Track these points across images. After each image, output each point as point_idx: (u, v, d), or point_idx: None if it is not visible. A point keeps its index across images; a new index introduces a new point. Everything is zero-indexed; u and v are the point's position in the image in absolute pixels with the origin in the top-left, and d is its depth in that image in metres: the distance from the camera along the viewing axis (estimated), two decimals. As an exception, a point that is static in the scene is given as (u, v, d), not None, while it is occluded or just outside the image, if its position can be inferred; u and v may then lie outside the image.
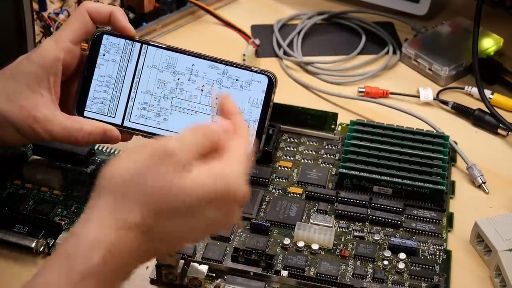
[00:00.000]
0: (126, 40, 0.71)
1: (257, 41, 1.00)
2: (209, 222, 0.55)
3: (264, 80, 0.72)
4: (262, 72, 0.72)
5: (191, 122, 0.71)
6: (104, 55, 0.71)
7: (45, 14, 1.01)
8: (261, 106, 0.72)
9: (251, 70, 0.72)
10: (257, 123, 0.72)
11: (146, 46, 0.72)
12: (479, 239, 0.72)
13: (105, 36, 0.71)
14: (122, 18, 0.70)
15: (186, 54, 0.72)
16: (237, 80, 0.72)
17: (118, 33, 0.71)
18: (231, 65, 0.72)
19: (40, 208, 0.73)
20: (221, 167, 0.54)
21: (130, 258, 0.52)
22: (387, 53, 1.00)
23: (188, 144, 0.54)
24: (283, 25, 1.04)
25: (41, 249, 0.70)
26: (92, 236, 0.51)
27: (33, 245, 0.69)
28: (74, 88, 0.71)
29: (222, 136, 0.56)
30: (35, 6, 1.00)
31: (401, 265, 0.69)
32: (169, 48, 0.72)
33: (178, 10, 1.04)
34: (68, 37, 0.68)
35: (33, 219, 0.72)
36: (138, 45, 0.71)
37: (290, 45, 1.00)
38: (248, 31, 1.03)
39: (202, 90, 0.71)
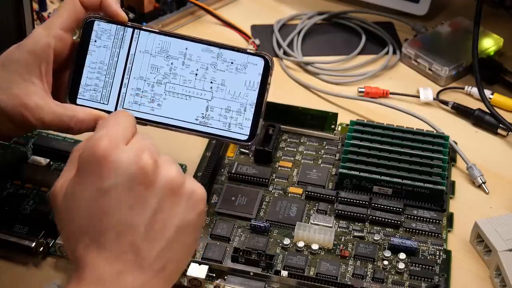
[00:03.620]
0: (118, 26, 0.70)
1: (257, 41, 1.00)
2: (119, 191, 0.52)
3: (260, 63, 0.70)
4: (258, 54, 0.70)
5: (186, 107, 0.70)
6: (95, 41, 0.70)
7: (45, 14, 1.02)
8: (258, 89, 0.70)
9: (246, 53, 0.70)
10: (253, 107, 0.70)
11: (138, 31, 0.70)
12: (479, 239, 0.72)
13: (96, 22, 0.70)
14: (113, 3, 0.69)
15: (179, 38, 0.70)
16: (232, 63, 0.70)
17: (110, 18, 0.70)
18: (225, 48, 0.70)
19: (40, 208, 0.73)
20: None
21: None
22: (387, 53, 1.00)
23: (58, 179, 0.55)
24: (283, 25, 1.04)
25: (41, 249, 0.70)
26: None
27: (33, 245, 0.69)
28: (66, 76, 0.70)
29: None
30: (35, 6, 1.00)
31: (401, 265, 0.69)
32: (161, 33, 0.71)
33: (178, 10, 1.04)
34: (59, 24, 0.68)
35: (33, 219, 0.72)
36: (130, 30, 0.70)
37: (290, 45, 1.00)
38: (248, 31, 1.03)
39: (196, 74, 0.70)
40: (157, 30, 0.71)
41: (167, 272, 0.54)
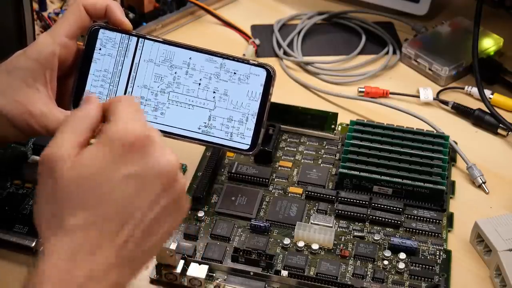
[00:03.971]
0: (123, 34, 0.71)
1: (257, 41, 1.00)
2: (135, 177, 0.52)
3: (263, 73, 0.71)
4: (260, 65, 0.71)
5: (188, 116, 0.70)
6: (100, 49, 0.71)
7: (45, 14, 1.02)
8: (260, 99, 0.71)
9: (249, 63, 0.71)
10: (255, 117, 0.71)
11: (143, 40, 0.71)
12: (479, 239, 0.72)
13: (101, 31, 0.71)
14: (118, 12, 0.69)
15: (183, 48, 0.71)
16: (235, 73, 0.71)
17: (115, 27, 0.71)
18: (228, 58, 0.71)
19: (40, 208, 0.73)
20: (103, 133, 0.53)
21: (88, 256, 0.50)
22: (387, 53, 1.00)
23: (63, 137, 0.53)
24: (283, 25, 1.04)
25: (41, 249, 0.70)
26: (42, 255, 0.51)
27: (33, 245, 0.69)
28: (71, 83, 0.71)
29: (88, 117, 0.54)
30: (35, 6, 1.00)
31: (401, 265, 0.69)
32: (166, 42, 0.71)
33: (178, 10, 1.04)
34: (64, 31, 0.68)
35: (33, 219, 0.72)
36: (134, 39, 0.71)
37: (290, 45, 1.00)
38: (248, 31, 1.03)
39: (199, 84, 0.71)
40: (161, 40, 0.71)
41: (136, 265, 0.54)
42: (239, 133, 0.71)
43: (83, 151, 0.52)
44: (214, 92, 0.71)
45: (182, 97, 0.71)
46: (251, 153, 0.71)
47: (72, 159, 0.52)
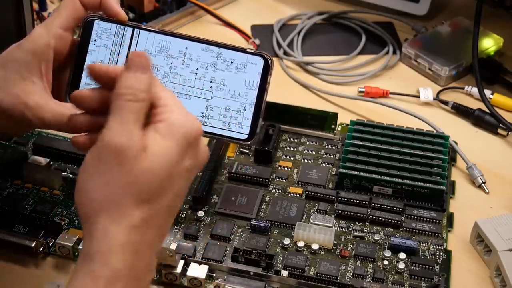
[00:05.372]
0: (118, 25, 0.70)
1: (257, 41, 1.00)
2: (189, 171, 0.55)
3: (260, 62, 0.70)
4: (257, 53, 0.70)
5: (186, 106, 0.70)
6: (95, 40, 0.70)
7: (45, 14, 1.02)
8: (257, 88, 0.70)
9: (246, 52, 0.70)
10: (253, 106, 0.70)
11: (138, 30, 0.70)
12: (479, 239, 0.72)
13: (96, 22, 0.70)
14: (113, 2, 0.69)
15: (179, 37, 0.71)
16: (232, 62, 0.70)
17: (110, 18, 0.70)
18: (225, 47, 0.70)
19: (40, 208, 0.73)
20: (166, 123, 0.54)
21: (147, 250, 0.52)
22: (387, 53, 1.00)
23: (128, 126, 0.52)
24: (283, 25, 1.04)
25: (41, 249, 0.70)
26: (106, 246, 0.51)
27: (33, 245, 0.69)
28: (66, 75, 0.70)
29: (141, 91, 0.54)
30: (35, 6, 1.00)
31: (401, 265, 0.69)
32: (161, 32, 0.71)
33: (178, 10, 1.04)
34: (59, 23, 0.68)
35: (33, 219, 0.72)
36: (130, 29, 0.70)
37: (290, 45, 1.00)
38: (248, 31, 1.03)
39: (196, 73, 0.70)
40: (157, 30, 0.71)
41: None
42: (237, 122, 0.70)
43: (151, 141, 0.53)
44: (211, 81, 0.70)
45: (179, 87, 0.70)
46: (249, 142, 0.70)
47: (142, 151, 0.52)
